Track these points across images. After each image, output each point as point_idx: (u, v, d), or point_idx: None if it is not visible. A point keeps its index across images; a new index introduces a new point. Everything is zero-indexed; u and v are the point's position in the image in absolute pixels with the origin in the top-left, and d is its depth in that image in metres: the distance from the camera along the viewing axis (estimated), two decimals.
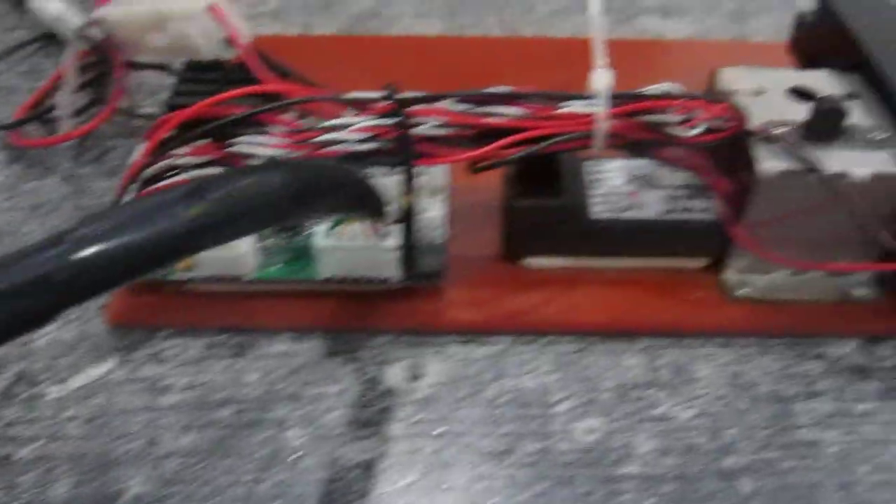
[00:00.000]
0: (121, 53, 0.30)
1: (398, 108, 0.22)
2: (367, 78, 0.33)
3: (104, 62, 0.31)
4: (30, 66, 0.36)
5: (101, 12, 0.28)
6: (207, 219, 0.14)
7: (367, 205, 0.20)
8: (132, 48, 0.29)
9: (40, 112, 0.32)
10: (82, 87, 0.31)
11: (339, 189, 0.18)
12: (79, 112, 0.31)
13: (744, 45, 0.36)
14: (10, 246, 0.27)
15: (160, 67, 0.32)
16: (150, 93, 0.33)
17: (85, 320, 0.25)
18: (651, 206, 0.25)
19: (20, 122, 0.31)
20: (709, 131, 0.23)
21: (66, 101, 0.30)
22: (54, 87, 0.31)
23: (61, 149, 0.31)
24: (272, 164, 0.16)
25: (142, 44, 0.28)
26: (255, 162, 0.23)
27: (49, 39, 0.36)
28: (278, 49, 0.34)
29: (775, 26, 0.37)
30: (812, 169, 0.22)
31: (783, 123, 0.24)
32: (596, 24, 0.23)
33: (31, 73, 0.35)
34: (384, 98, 0.22)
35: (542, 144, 0.23)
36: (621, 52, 0.36)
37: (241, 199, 0.14)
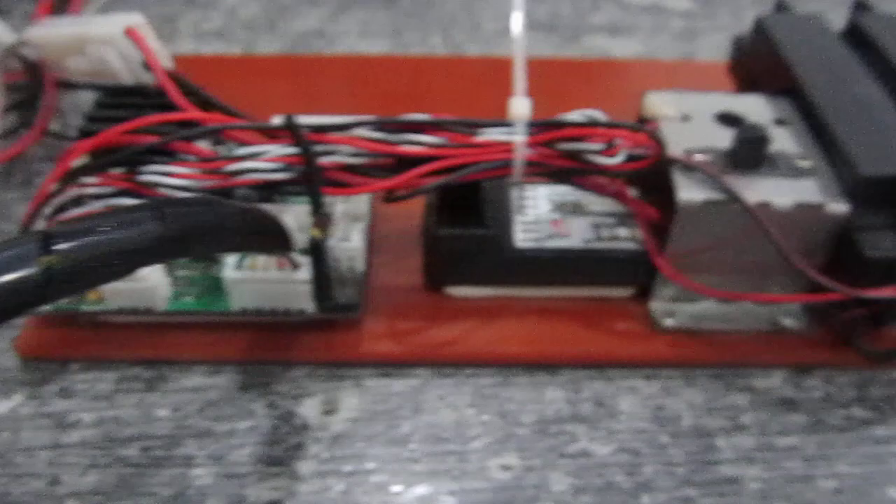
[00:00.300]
0: (52, 74, 0.29)
1: (296, 137, 0.21)
2: (305, 100, 0.33)
3: (36, 83, 0.30)
4: None
5: (26, 33, 0.28)
6: (60, 270, 0.13)
7: (264, 242, 0.20)
8: (57, 70, 0.28)
9: None
10: (11, 108, 0.30)
11: (225, 230, 0.17)
12: (6, 135, 0.30)
13: (688, 65, 0.36)
14: None
15: (94, 88, 0.32)
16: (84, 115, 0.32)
17: None
18: (576, 234, 0.24)
19: None
20: (630, 160, 0.22)
21: None
22: None
23: None
24: (146, 207, 0.15)
25: (63, 66, 0.28)
26: (165, 192, 0.22)
27: None
28: (218, 69, 0.34)
29: (725, 45, 0.37)
30: (733, 198, 0.22)
31: (707, 151, 0.23)
32: (517, 49, 0.22)
33: None
34: (283, 126, 0.21)
35: (460, 173, 0.22)
36: (565, 71, 0.36)
37: (98, 249, 0.14)
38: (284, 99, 0.33)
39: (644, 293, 0.25)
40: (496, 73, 0.35)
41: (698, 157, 0.23)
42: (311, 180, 0.21)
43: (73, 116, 0.32)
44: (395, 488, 0.21)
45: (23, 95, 0.30)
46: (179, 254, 0.17)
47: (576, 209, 0.25)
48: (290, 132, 0.21)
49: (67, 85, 0.30)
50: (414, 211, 0.26)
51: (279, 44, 0.37)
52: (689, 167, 0.23)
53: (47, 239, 0.13)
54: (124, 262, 0.14)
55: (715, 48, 0.37)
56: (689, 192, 0.22)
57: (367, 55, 0.37)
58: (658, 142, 0.22)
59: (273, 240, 0.20)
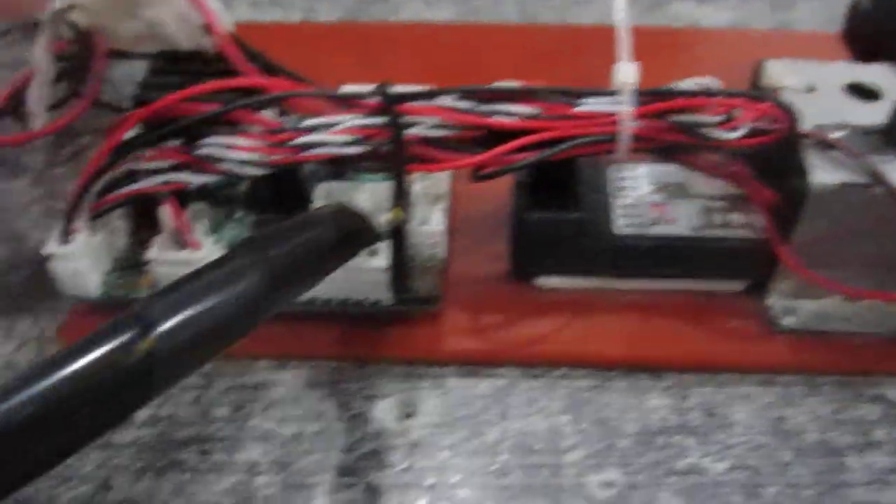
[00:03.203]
0: (103, 40, 0.27)
1: (389, 106, 0.19)
2: (368, 69, 0.31)
3: (86, 50, 0.28)
4: (12, 56, 0.33)
5: None
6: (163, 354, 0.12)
7: (358, 246, 0.18)
8: (105, 36, 0.26)
9: (13, 105, 0.29)
10: (60, 77, 0.28)
11: (326, 255, 0.15)
12: (55, 106, 0.28)
13: (789, 35, 0.33)
14: None
15: (148, 57, 0.29)
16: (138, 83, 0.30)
17: (43, 340, 0.22)
18: (683, 219, 0.22)
19: None
20: (752, 134, 0.20)
21: (37, 93, 0.27)
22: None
23: (35, 146, 0.28)
24: (240, 261, 0.14)
25: (114, 32, 0.25)
26: (224, 166, 0.20)
27: (35, 27, 0.34)
28: (275, 37, 0.31)
29: (824, 14, 0.34)
30: (877, 181, 0.19)
31: (840, 126, 0.20)
32: (620, 7, 0.20)
33: (14, 63, 0.33)
34: (374, 94, 0.19)
35: (556, 149, 0.19)
36: (650, 42, 0.32)
37: (203, 324, 0.12)
38: (346, 68, 0.31)
39: (756, 288, 0.22)
40: (574, 42, 0.32)
41: (834, 134, 0.20)
42: (396, 155, 0.19)
43: (126, 86, 0.30)
44: None
45: (73, 64, 0.28)
46: (286, 301, 0.16)
47: (681, 191, 0.22)
48: (378, 102, 0.19)
49: (120, 54, 0.28)
50: (496, 191, 0.23)
51: (339, 10, 0.35)
52: (822, 144, 0.20)
53: (141, 316, 0.12)
54: (232, 330, 0.13)
55: (814, 17, 0.34)
56: (823, 173, 0.19)
57: (434, 23, 0.34)
58: (789, 113, 0.19)
59: (365, 239, 0.18)
